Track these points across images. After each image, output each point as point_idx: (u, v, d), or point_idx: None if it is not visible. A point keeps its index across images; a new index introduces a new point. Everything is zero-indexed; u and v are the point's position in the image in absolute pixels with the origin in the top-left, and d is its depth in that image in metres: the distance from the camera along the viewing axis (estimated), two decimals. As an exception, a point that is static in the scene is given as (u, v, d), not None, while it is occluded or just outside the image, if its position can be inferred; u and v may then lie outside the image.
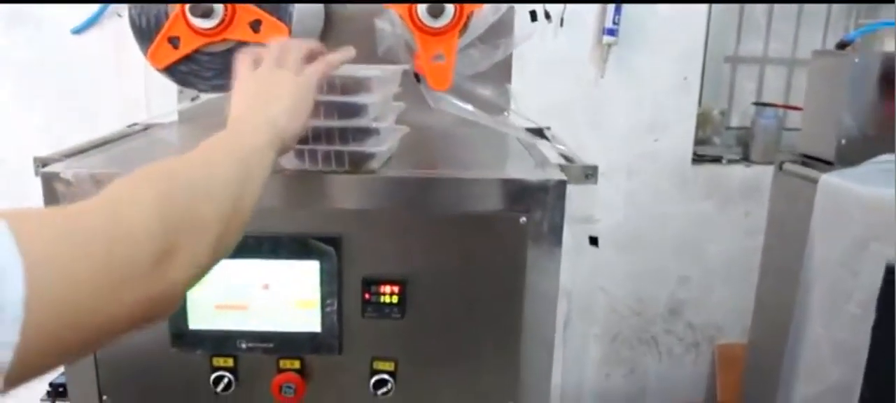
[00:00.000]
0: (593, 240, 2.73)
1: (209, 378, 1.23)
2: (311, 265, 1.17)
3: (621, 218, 2.92)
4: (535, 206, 1.18)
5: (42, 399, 1.37)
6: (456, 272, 1.21)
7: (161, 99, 1.80)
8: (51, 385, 1.36)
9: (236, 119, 0.99)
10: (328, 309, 1.19)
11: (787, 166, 2.09)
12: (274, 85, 1.02)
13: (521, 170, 1.24)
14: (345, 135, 1.15)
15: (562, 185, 1.18)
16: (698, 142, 3.00)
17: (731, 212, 3.02)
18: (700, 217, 3.00)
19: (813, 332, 1.88)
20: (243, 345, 1.22)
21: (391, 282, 1.19)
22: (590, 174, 1.27)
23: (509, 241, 1.19)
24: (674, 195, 2.96)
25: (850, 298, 1.75)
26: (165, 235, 0.73)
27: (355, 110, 1.14)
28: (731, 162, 3.03)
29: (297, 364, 1.23)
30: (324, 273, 1.17)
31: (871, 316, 1.70)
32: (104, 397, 1.26)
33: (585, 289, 2.97)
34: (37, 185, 1.18)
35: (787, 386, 1.97)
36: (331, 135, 1.15)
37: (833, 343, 1.82)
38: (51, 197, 1.17)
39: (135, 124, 1.66)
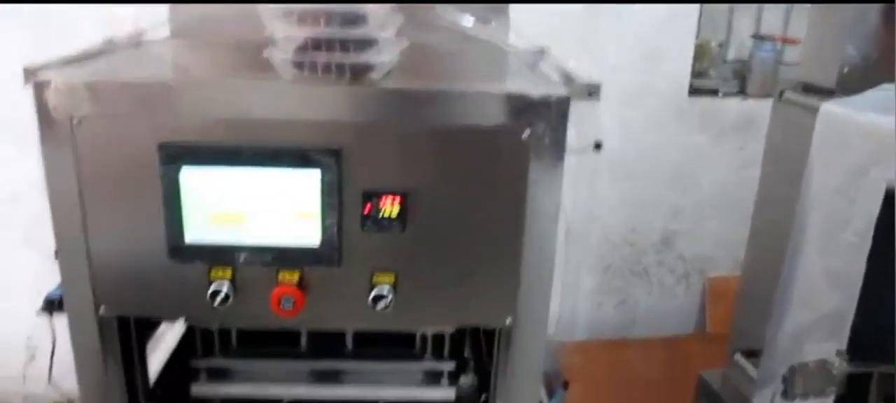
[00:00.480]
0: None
1: (206, 290, 1.22)
2: (311, 174, 1.14)
3: (617, 146, 2.90)
4: (538, 121, 1.16)
5: (37, 313, 1.35)
6: (457, 186, 1.19)
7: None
8: (46, 299, 1.34)
9: None
10: (328, 222, 1.17)
11: (788, 95, 2.07)
12: None
13: (524, 85, 1.22)
14: (346, 44, 1.13)
15: (565, 101, 1.16)
16: (695, 74, 2.98)
17: (726, 145, 3.01)
18: (695, 149, 2.99)
19: (808, 260, 1.88)
20: (241, 258, 1.20)
21: (392, 195, 1.18)
22: (593, 92, 1.24)
23: (511, 156, 1.17)
24: (669, 126, 2.94)
25: (846, 226, 1.75)
26: None
27: (356, 19, 1.11)
28: (727, 95, 3.02)
29: (295, 278, 1.22)
30: (324, 184, 1.15)
31: (867, 244, 1.69)
32: (101, 307, 1.24)
33: (580, 219, 2.97)
34: (24, 99, 1.15)
35: (779, 314, 1.98)
36: (331, 44, 1.12)
37: (828, 271, 1.82)
38: (42, 107, 1.14)
39: (112, 40, 1.59)
